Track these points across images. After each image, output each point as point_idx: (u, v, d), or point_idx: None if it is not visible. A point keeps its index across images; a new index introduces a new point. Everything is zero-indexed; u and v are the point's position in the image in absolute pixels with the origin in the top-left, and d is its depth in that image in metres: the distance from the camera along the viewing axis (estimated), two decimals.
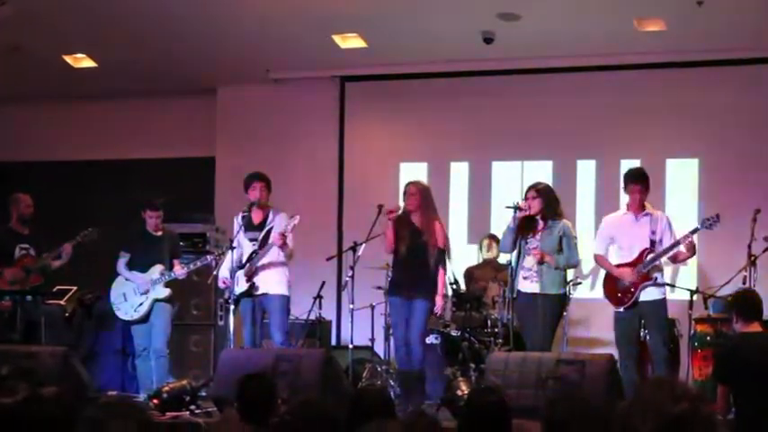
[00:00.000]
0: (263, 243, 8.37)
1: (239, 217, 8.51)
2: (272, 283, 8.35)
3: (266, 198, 8.47)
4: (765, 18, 9.33)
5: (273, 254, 8.34)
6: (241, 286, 8.34)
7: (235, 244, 8.35)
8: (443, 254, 8.15)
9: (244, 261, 8.37)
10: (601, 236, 8.10)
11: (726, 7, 9.12)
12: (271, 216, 8.43)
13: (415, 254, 8.05)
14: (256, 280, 8.34)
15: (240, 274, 8.33)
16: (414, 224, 8.11)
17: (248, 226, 8.44)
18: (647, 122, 10.37)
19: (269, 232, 8.37)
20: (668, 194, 10.13)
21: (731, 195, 9.81)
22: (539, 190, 7.98)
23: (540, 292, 7.79)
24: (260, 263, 8.34)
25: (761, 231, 8.21)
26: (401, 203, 8.31)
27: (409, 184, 8.31)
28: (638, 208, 7.85)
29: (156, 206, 8.86)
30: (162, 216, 8.90)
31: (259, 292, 8.33)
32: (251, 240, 8.42)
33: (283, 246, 8.27)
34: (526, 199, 7.94)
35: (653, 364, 7.92)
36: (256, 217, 8.46)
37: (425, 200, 8.17)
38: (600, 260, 8.06)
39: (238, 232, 8.43)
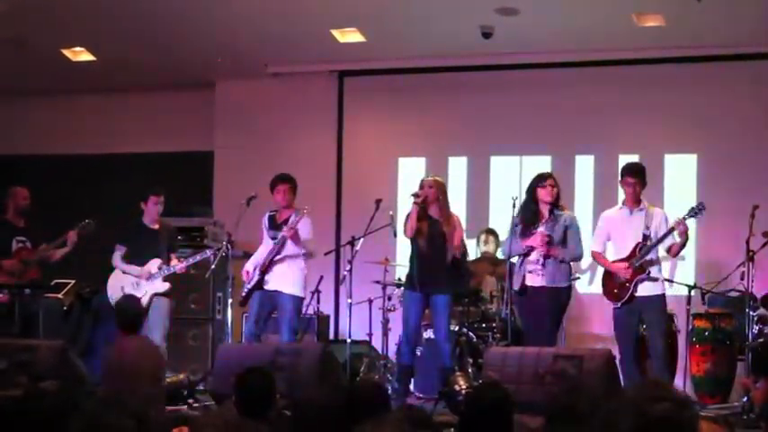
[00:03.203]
0: (282, 241, 8.46)
1: (266, 216, 8.67)
2: (284, 281, 8.47)
3: (290, 200, 8.58)
4: (765, 14, 9.32)
5: (290, 252, 8.43)
6: (254, 279, 8.52)
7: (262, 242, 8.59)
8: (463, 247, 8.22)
9: (264, 257, 8.50)
10: (597, 232, 8.09)
11: (725, 3, 9.11)
12: (293, 217, 8.48)
13: (435, 246, 8.06)
14: (268, 276, 8.45)
15: (258, 268, 8.52)
16: (432, 216, 8.12)
17: (272, 225, 8.59)
18: (645, 118, 10.35)
19: None
20: (666, 190, 10.12)
21: (729, 191, 9.81)
22: (556, 180, 8.00)
23: (547, 285, 7.78)
24: (275, 259, 8.44)
25: (759, 227, 8.20)
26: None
27: (425, 178, 8.38)
28: (633, 202, 7.84)
29: (160, 191, 8.86)
30: (163, 202, 8.89)
31: (269, 288, 8.42)
32: (272, 239, 8.55)
33: (295, 238, 8.30)
34: (544, 186, 7.92)
35: (652, 359, 7.89)
36: (281, 217, 8.60)
37: (442, 194, 8.19)
38: (596, 256, 8.04)
39: (264, 230, 8.60)
